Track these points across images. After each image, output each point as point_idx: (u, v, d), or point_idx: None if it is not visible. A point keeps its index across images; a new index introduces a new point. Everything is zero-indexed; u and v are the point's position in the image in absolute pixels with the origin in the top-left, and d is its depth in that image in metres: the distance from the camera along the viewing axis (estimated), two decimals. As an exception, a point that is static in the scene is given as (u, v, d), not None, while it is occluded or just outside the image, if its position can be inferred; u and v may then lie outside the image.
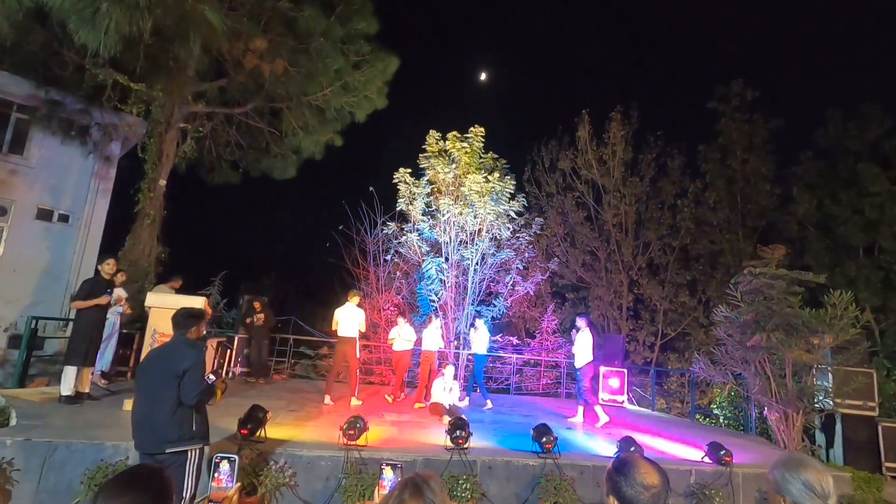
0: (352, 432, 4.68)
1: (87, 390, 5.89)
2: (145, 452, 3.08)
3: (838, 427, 7.60)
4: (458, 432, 4.90)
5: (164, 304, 5.69)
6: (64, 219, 9.55)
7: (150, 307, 5.70)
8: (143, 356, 5.59)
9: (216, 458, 1.85)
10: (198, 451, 3.12)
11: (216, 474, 2.12)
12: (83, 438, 4.20)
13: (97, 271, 6.04)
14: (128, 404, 5.45)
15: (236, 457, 2.11)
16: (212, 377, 3.21)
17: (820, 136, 15.43)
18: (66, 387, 5.61)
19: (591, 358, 7.37)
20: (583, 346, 7.42)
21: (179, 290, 7.53)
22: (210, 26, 7.31)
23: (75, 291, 5.97)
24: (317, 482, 4.44)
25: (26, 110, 9.12)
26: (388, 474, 2.54)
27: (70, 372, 5.63)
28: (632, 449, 5.15)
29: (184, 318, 3.27)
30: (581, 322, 7.68)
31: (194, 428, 3.13)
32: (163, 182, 9.45)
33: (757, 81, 21.87)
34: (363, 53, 10.52)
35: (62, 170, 9.51)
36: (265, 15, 9.09)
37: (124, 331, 7.48)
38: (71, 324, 6.18)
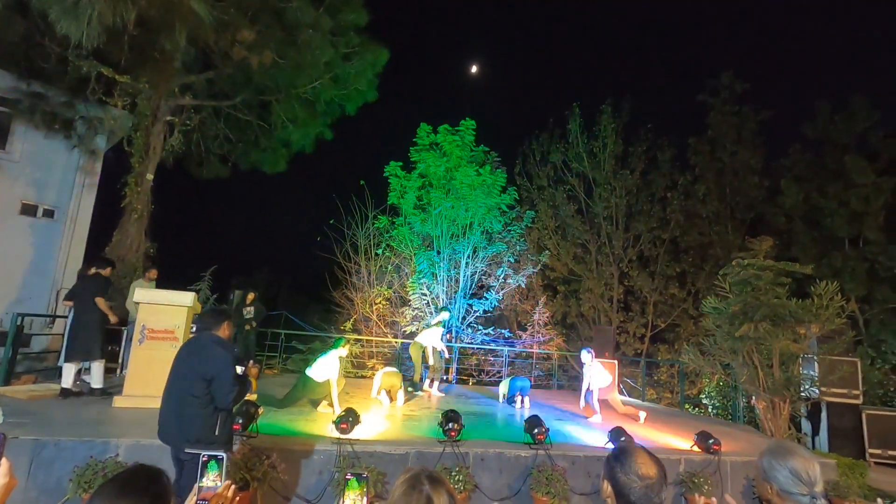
0: (344, 426, 4.67)
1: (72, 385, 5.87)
2: (170, 446, 3.03)
3: (824, 415, 7.74)
4: (450, 425, 4.92)
5: (152, 300, 5.64)
6: (49, 214, 9.39)
7: (137, 303, 5.65)
8: (131, 353, 5.57)
9: (203, 457, 1.82)
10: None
11: (205, 474, 2.08)
12: (72, 435, 4.15)
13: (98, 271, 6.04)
14: (118, 401, 5.41)
15: (224, 455, 2.08)
16: (240, 369, 3.05)
17: (808, 129, 15.54)
18: (67, 381, 5.70)
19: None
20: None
21: (169, 284, 7.44)
22: (196, 17, 7.19)
23: (97, 288, 5.88)
24: (310, 476, 4.44)
25: (8, 103, 8.91)
26: (354, 487, 1.83)
27: (69, 368, 5.70)
28: (622, 439, 5.21)
29: (212, 316, 3.19)
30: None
31: (216, 433, 3.02)
32: (150, 176, 9.31)
33: (746, 74, 22.05)
34: (353, 45, 10.41)
35: (46, 164, 9.34)
36: (253, 6, 8.92)
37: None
38: (69, 320, 6.15)
